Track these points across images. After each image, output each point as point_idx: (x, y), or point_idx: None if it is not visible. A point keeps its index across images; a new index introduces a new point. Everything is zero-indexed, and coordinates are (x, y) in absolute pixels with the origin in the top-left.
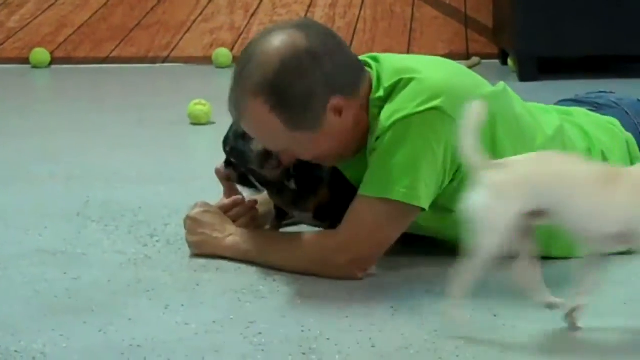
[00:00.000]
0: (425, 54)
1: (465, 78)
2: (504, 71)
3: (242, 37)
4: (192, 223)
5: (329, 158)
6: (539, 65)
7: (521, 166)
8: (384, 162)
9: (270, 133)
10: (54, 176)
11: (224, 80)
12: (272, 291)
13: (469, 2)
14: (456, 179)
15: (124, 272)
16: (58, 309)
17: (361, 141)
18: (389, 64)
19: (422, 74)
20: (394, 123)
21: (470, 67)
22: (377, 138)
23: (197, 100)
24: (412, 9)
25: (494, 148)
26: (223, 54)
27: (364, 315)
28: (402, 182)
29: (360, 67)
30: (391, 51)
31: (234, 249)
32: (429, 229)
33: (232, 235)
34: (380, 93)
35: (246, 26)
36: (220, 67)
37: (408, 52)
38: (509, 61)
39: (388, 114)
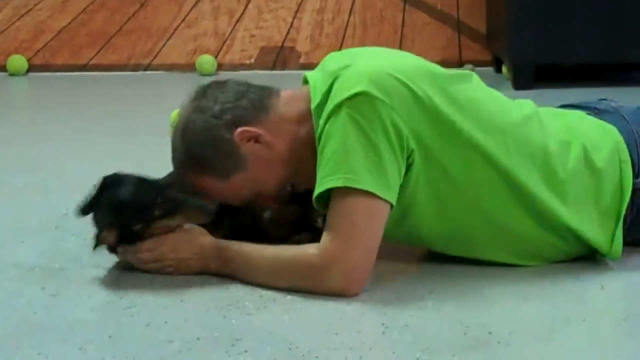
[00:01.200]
0: None
1: (403, 62)
2: (498, 79)
3: (226, 43)
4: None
5: (300, 178)
6: (534, 72)
7: None
8: (322, 159)
9: (219, 192)
10: (30, 188)
11: None
12: (259, 307)
13: (461, 8)
14: (412, 168)
15: (105, 287)
16: (36, 326)
17: None
18: (328, 68)
19: (352, 66)
20: (327, 118)
21: None
22: (319, 139)
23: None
24: (403, 15)
25: (453, 131)
26: (207, 60)
27: (355, 333)
28: (341, 170)
29: (260, 89)
30: None
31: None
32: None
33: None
34: (318, 99)
35: (231, 32)
36: (205, 74)
37: None
38: (503, 69)
39: (323, 114)
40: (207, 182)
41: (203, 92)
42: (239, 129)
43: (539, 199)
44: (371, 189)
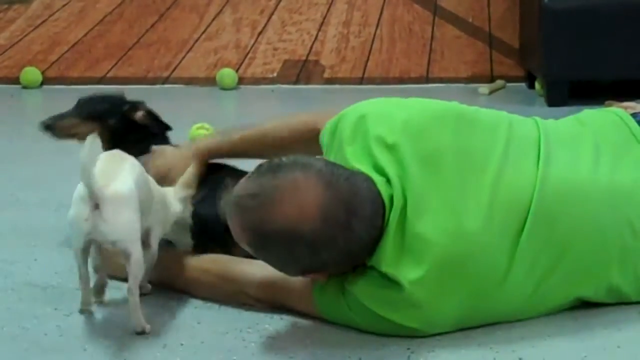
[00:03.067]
0: (446, 76)
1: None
2: (531, 95)
3: (248, 56)
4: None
5: None
6: (569, 89)
7: None
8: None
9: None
10: (44, 204)
11: (229, 103)
12: (279, 330)
13: (493, 21)
14: None
15: (120, 308)
16: (48, 348)
17: None
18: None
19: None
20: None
21: (494, 91)
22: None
23: (199, 125)
24: (432, 28)
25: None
26: (228, 74)
27: (379, 357)
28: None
29: (359, 250)
30: (409, 73)
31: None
32: None
33: None
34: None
35: (253, 45)
36: (225, 88)
37: (427, 74)
38: (536, 84)
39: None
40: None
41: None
42: (312, 276)
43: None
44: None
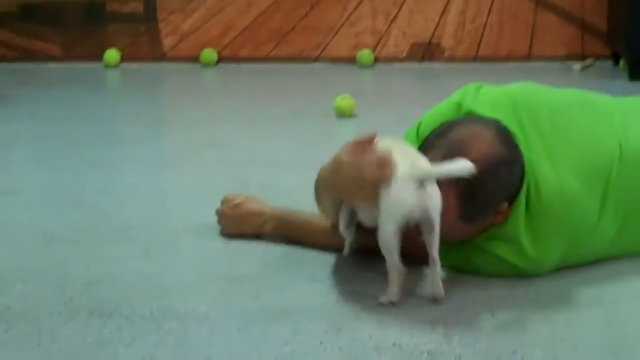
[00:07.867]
0: (546, 55)
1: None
2: (616, 71)
3: (382, 39)
4: (225, 221)
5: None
6: None
7: None
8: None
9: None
10: (220, 160)
11: (366, 78)
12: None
13: (585, 8)
14: None
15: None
16: (219, 277)
17: None
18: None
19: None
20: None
21: (585, 68)
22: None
23: (342, 96)
24: (535, 15)
25: None
26: (366, 54)
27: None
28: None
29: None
30: (515, 52)
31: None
32: None
33: (267, 221)
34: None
35: (386, 30)
36: (364, 66)
37: (530, 53)
38: (621, 62)
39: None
40: (449, 208)
41: (514, 142)
42: (505, 204)
43: None
44: None
